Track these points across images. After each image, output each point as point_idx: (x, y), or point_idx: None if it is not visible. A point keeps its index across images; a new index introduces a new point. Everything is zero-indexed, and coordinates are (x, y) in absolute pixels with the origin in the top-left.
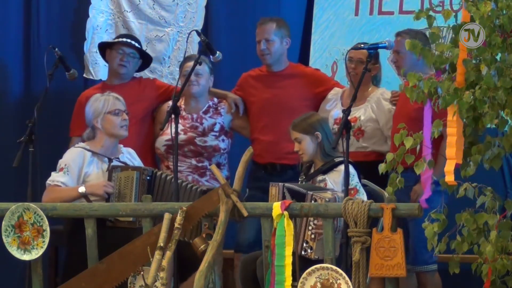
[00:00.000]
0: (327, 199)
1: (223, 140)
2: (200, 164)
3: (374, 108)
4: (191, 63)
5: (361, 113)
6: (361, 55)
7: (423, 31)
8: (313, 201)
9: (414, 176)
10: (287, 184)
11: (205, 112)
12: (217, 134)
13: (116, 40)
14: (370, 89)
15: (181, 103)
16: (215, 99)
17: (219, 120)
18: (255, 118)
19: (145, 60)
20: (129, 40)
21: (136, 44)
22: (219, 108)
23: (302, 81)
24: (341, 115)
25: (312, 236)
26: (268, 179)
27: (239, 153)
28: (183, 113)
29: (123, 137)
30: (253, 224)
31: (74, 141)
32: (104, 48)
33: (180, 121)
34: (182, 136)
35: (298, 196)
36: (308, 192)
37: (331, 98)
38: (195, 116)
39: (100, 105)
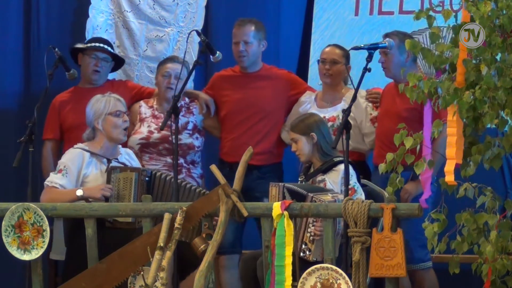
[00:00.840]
0: (327, 202)
1: (197, 138)
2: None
3: (352, 107)
4: (171, 65)
5: (338, 113)
6: (335, 55)
7: (420, 32)
8: (312, 203)
9: (406, 176)
10: (287, 185)
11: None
12: (190, 132)
13: (89, 45)
14: (343, 89)
15: (153, 103)
16: (187, 99)
17: (191, 118)
18: (226, 118)
19: (117, 62)
20: (101, 45)
21: (109, 49)
22: (191, 107)
23: (275, 83)
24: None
25: (311, 238)
26: (232, 177)
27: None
28: (156, 112)
29: (121, 141)
30: (230, 225)
31: (47, 145)
32: (76, 52)
33: (153, 120)
34: (156, 135)
35: (298, 197)
36: (309, 194)
37: (304, 101)
38: None
39: (101, 106)
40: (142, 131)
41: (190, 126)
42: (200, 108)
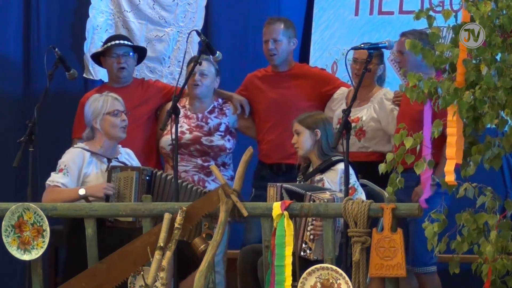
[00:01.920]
0: (325, 200)
1: (228, 140)
2: (206, 164)
3: (376, 108)
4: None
5: (363, 114)
6: (364, 55)
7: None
8: (311, 202)
9: (415, 177)
10: (285, 185)
11: (210, 112)
12: (222, 134)
13: (106, 46)
14: (374, 89)
15: (185, 102)
16: (220, 100)
17: (224, 120)
18: (261, 119)
19: (140, 52)
20: (118, 41)
21: (126, 42)
22: (224, 108)
23: (308, 81)
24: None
25: (311, 237)
26: (274, 179)
27: (243, 153)
28: (188, 112)
29: (121, 139)
30: (259, 223)
31: (77, 143)
32: (98, 57)
33: (185, 120)
34: (187, 136)
35: (297, 197)
36: (307, 192)
37: (336, 98)
38: (200, 115)
39: (99, 105)
40: (174, 132)
41: (222, 127)
42: (234, 109)
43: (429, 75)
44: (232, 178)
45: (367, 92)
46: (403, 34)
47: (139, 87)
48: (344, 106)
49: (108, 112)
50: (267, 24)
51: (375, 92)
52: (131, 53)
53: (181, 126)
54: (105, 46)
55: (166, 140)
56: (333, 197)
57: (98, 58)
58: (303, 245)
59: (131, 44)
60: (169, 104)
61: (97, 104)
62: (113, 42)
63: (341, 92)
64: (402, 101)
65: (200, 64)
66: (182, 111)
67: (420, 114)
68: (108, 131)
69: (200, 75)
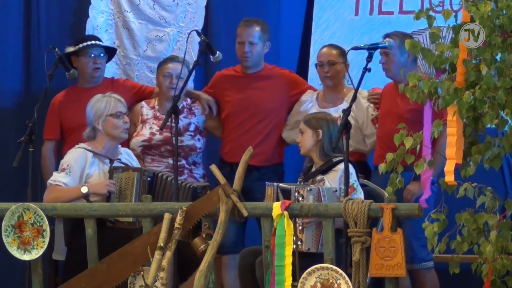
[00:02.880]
0: (308, 189)
1: (198, 140)
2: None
3: (353, 107)
4: (172, 65)
5: (340, 113)
6: (331, 56)
7: (420, 32)
8: (296, 194)
9: (408, 176)
10: (281, 184)
11: (180, 113)
12: (192, 133)
13: (81, 45)
14: (344, 89)
15: (154, 103)
16: (188, 100)
17: (193, 120)
18: (228, 118)
19: (110, 53)
20: (94, 42)
21: (101, 43)
22: (193, 108)
23: (276, 83)
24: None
25: (300, 228)
26: (233, 177)
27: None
28: (158, 113)
29: (122, 140)
30: (232, 225)
31: (47, 145)
32: (68, 55)
33: (155, 121)
34: (158, 136)
35: (286, 194)
36: (293, 187)
37: (305, 100)
38: None
39: (102, 106)
40: (144, 133)
41: (192, 127)
42: (203, 109)
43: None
44: (203, 177)
45: (339, 92)
46: (387, 35)
47: (109, 87)
48: (316, 108)
49: (111, 114)
50: (244, 25)
51: (347, 93)
52: (104, 54)
53: (151, 128)
54: (81, 45)
55: (136, 142)
56: (318, 187)
57: (68, 56)
58: (294, 238)
59: (104, 45)
60: (138, 105)
61: (100, 105)
62: (89, 43)
63: (310, 95)
64: (385, 101)
65: (200, 64)
66: (151, 112)
67: (412, 113)
68: (110, 132)
69: (176, 78)
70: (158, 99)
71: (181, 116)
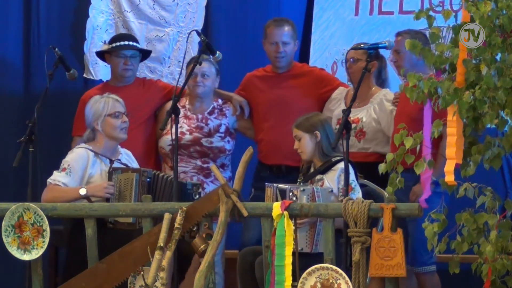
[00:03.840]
0: (301, 189)
1: (228, 141)
2: (205, 165)
3: (376, 109)
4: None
5: (363, 114)
6: (354, 53)
7: (423, 31)
8: (290, 194)
9: (413, 177)
10: (279, 185)
11: (210, 113)
12: (222, 135)
13: (114, 45)
14: (373, 89)
15: (186, 103)
16: (220, 100)
17: (224, 121)
18: (261, 119)
19: (144, 53)
20: (127, 43)
21: (135, 44)
22: (224, 109)
23: (307, 81)
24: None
25: (293, 227)
26: (274, 180)
27: (241, 154)
28: (188, 113)
29: (122, 140)
30: (257, 222)
31: (77, 141)
32: (102, 53)
33: (185, 121)
34: (188, 136)
35: (283, 194)
36: (288, 187)
37: (335, 98)
38: (200, 116)
39: (100, 107)
40: (174, 131)
41: (222, 128)
42: (234, 110)
43: (426, 74)
44: (230, 179)
45: (366, 92)
46: (399, 34)
47: (140, 87)
48: (342, 106)
49: (109, 114)
50: (275, 25)
51: (375, 93)
52: (137, 55)
53: (181, 127)
54: (114, 45)
55: (165, 140)
56: (312, 187)
57: (103, 54)
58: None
59: (139, 46)
60: (169, 104)
61: (98, 106)
62: (122, 43)
63: (339, 92)
64: (399, 101)
65: (200, 64)
66: (182, 111)
67: (419, 112)
68: (109, 132)
69: (201, 76)
70: (189, 98)
71: (211, 117)
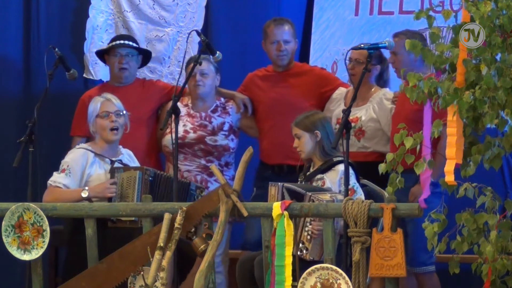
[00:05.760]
0: (325, 201)
1: (232, 140)
2: (209, 164)
3: (375, 109)
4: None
5: (362, 114)
6: (358, 55)
7: (421, 32)
8: (311, 202)
9: (412, 177)
10: (286, 184)
11: (213, 111)
12: (226, 133)
13: (110, 45)
14: (373, 89)
15: (188, 101)
16: (222, 99)
17: (227, 119)
18: (262, 118)
19: (145, 54)
20: (122, 41)
21: (131, 43)
22: (227, 107)
23: (308, 80)
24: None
25: (308, 237)
26: (275, 179)
27: (244, 153)
28: (191, 111)
29: (111, 141)
30: (257, 222)
31: (76, 141)
32: (102, 54)
33: (188, 119)
34: (192, 135)
35: (297, 197)
36: (307, 193)
37: (335, 98)
38: (203, 114)
39: (91, 109)
40: (178, 130)
41: (226, 127)
42: (238, 108)
43: (424, 75)
44: (233, 178)
45: (366, 92)
46: (396, 35)
47: (140, 87)
48: (342, 106)
49: (97, 115)
50: (275, 25)
51: (374, 92)
52: (134, 54)
53: (184, 125)
54: (109, 44)
55: (169, 138)
56: (333, 199)
57: (103, 55)
58: (300, 245)
59: (135, 45)
60: (170, 104)
61: (91, 107)
62: (117, 42)
63: (340, 92)
64: (398, 101)
65: (200, 64)
66: (185, 110)
67: (416, 113)
68: (100, 133)
69: (200, 75)
70: (191, 97)
71: (215, 115)
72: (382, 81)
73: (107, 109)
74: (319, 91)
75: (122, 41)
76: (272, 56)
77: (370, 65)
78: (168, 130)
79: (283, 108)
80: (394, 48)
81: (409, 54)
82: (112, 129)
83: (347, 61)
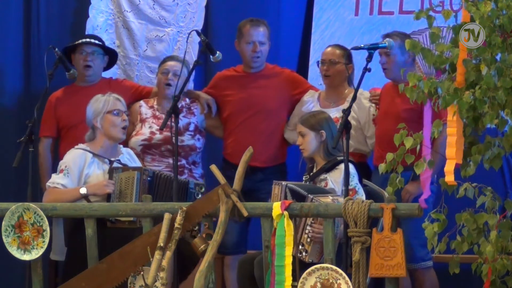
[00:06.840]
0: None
1: (198, 139)
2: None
3: (354, 108)
4: (170, 62)
5: (340, 113)
6: (333, 56)
7: (421, 32)
8: (311, 202)
9: (406, 176)
10: (289, 184)
11: (179, 112)
12: (192, 133)
13: (76, 42)
14: (346, 90)
15: (153, 103)
16: (187, 99)
17: (193, 119)
18: (230, 118)
19: (111, 56)
20: (88, 40)
21: (96, 42)
22: (192, 108)
23: (278, 81)
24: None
25: (308, 239)
26: None
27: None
28: (157, 113)
29: (120, 139)
30: (235, 225)
31: (43, 142)
32: (69, 53)
33: (154, 121)
34: (158, 136)
35: (299, 198)
36: (309, 195)
37: (307, 100)
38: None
39: (101, 105)
40: (144, 132)
41: (191, 127)
42: (202, 108)
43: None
44: (202, 176)
45: (341, 92)
46: (387, 35)
47: (106, 87)
48: (317, 107)
49: (109, 111)
50: (251, 25)
51: (349, 93)
52: (100, 53)
53: (150, 127)
54: (75, 43)
55: (135, 141)
56: (335, 201)
57: (69, 55)
58: (300, 247)
59: (101, 44)
60: (137, 104)
61: (99, 104)
62: (83, 40)
63: (311, 95)
64: (383, 101)
65: (201, 64)
66: (150, 111)
67: (408, 113)
68: (108, 130)
69: (173, 75)
70: (157, 98)
71: (180, 116)
72: (350, 81)
73: (119, 108)
74: (290, 93)
75: (88, 39)
76: (246, 56)
77: (343, 66)
78: (134, 133)
79: (252, 108)
80: (385, 48)
81: (401, 54)
82: (122, 128)
83: (319, 63)
